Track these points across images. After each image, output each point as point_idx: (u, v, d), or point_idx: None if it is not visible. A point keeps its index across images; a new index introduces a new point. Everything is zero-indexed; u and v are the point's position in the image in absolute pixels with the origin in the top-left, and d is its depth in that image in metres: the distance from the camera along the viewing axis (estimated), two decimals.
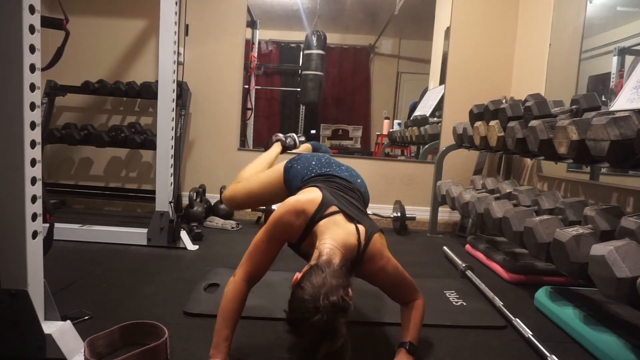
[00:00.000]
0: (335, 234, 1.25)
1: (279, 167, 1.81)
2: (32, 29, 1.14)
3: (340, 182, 1.55)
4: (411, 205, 3.40)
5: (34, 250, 1.20)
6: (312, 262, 1.17)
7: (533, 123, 1.98)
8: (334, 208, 1.32)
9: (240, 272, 1.29)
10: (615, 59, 2.29)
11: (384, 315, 1.67)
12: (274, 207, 3.14)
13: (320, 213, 1.30)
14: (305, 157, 1.79)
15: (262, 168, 2.06)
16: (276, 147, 2.28)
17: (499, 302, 1.82)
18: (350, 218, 1.32)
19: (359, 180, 1.68)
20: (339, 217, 1.31)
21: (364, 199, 1.61)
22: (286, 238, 1.34)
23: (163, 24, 2.43)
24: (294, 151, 2.30)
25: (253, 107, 3.75)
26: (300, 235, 1.31)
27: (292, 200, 1.33)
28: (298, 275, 1.11)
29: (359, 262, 1.28)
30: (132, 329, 1.37)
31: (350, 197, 1.46)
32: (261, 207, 3.23)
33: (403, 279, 1.37)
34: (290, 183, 1.73)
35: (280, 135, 2.35)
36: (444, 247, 2.72)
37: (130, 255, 2.33)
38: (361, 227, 1.30)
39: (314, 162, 1.71)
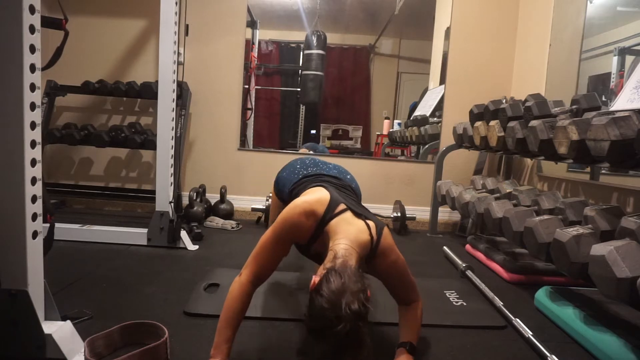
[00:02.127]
0: (349, 233, 1.24)
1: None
2: (32, 29, 1.14)
3: (330, 181, 1.54)
4: (411, 205, 3.40)
5: (34, 250, 1.20)
6: (328, 264, 1.15)
7: (533, 123, 1.98)
8: (342, 206, 1.31)
9: (246, 273, 1.27)
10: (615, 59, 2.29)
11: (385, 315, 1.67)
12: None
13: (330, 212, 1.29)
14: (289, 163, 1.78)
15: None
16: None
17: (499, 302, 1.82)
18: (358, 214, 1.31)
19: (348, 177, 1.67)
20: (348, 215, 1.30)
21: (356, 194, 1.61)
22: (295, 239, 1.33)
23: (163, 24, 2.43)
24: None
25: (253, 107, 3.75)
26: (311, 236, 1.30)
27: (300, 201, 1.31)
28: (316, 279, 1.09)
29: (372, 257, 1.28)
30: (132, 329, 1.37)
31: (347, 194, 1.46)
32: (261, 207, 3.23)
33: (409, 277, 1.38)
34: (281, 193, 1.72)
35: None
36: (444, 247, 2.72)
37: (130, 255, 2.33)
38: (370, 223, 1.29)
39: (298, 166, 1.71)
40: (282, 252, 1.30)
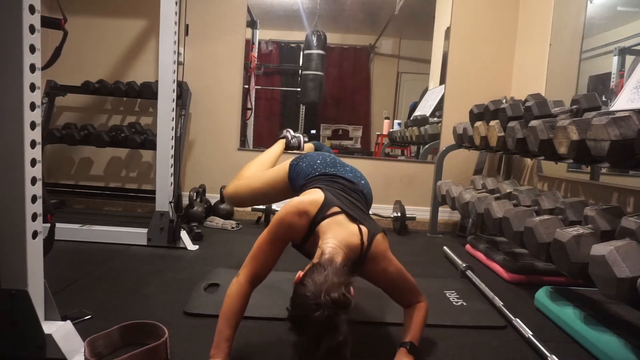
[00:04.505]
0: (338, 234, 1.26)
1: (285, 164, 1.84)
2: (32, 29, 1.14)
3: (343, 183, 1.56)
4: (411, 205, 3.40)
5: (34, 250, 1.20)
6: (315, 260, 1.17)
7: (533, 123, 1.98)
8: (335, 209, 1.34)
9: (244, 273, 1.29)
10: (615, 59, 2.29)
11: (385, 315, 1.67)
12: (274, 206, 3.17)
13: (322, 213, 1.32)
14: (311, 155, 1.80)
15: (264, 167, 2.07)
16: (279, 146, 2.29)
17: (499, 302, 1.82)
18: (352, 218, 1.33)
19: (362, 182, 1.68)
20: (341, 218, 1.32)
21: (366, 200, 1.62)
22: (290, 238, 1.35)
23: (163, 24, 2.43)
24: (295, 152, 2.31)
25: (253, 107, 3.75)
26: (304, 235, 1.33)
27: (295, 202, 1.35)
28: (300, 273, 1.12)
29: (361, 262, 1.29)
30: (132, 329, 1.37)
31: (352, 198, 1.48)
32: (261, 207, 3.23)
33: (405, 281, 1.38)
34: (294, 180, 1.75)
35: (288, 133, 2.36)
36: (444, 247, 2.72)
37: (131, 255, 2.33)
38: (363, 228, 1.31)
39: (319, 161, 1.72)
40: (278, 251, 1.32)
